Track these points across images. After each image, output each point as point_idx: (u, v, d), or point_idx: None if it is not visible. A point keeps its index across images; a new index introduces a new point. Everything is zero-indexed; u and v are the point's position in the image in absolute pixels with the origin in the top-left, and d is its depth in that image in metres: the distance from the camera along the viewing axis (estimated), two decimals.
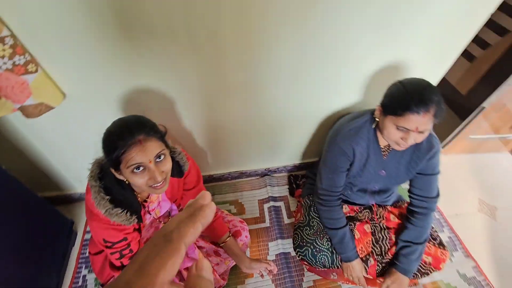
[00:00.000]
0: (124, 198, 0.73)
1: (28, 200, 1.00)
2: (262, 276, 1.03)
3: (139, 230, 0.85)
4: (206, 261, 0.28)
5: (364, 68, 1.04)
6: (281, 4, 0.77)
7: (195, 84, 0.95)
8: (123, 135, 0.64)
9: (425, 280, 1.23)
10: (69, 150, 1.09)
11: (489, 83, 1.63)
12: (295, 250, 1.16)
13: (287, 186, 1.52)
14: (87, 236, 1.27)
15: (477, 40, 1.83)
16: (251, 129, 1.22)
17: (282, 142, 1.36)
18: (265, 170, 1.51)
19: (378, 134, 0.97)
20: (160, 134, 0.71)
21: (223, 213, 1.19)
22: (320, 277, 1.20)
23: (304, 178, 1.49)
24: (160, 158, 0.70)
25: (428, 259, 1.08)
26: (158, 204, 0.93)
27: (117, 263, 0.80)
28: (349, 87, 1.12)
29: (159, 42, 0.79)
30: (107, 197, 0.70)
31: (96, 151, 0.71)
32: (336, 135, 1.03)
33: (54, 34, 0.72)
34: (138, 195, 0.81)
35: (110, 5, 0.69)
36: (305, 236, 1.14)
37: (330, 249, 1.11)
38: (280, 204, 1.44)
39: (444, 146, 1.72)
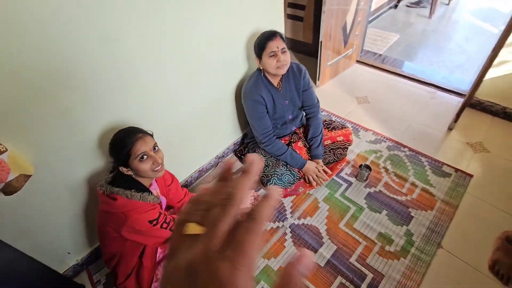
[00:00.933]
0: (139, 187, 0.99)
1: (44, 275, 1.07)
2: None
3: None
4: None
5: (236, 45, 1.49)
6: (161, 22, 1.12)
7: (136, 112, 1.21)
8: (128, 135, 0.95)
9: (351, 156, 1.75)
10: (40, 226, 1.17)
11: (317, 28, 2.34)
12: (266, 186, 1.51)
13: (238, 161, 1.86)
14: None
15: (297, 6, 2.57)
16: (186, 129, 1.51)
17: (216, 129, 1.70)
18: (215, 158, 1.81)
19: (268, 77, 1.42)
20: (151, 134, 1.04)
21: None
22: (294, 196, 1.58)
23: (246, 148, 1.86)
24: (155, 149, 1.02)
25: (340, 138, 1.60)
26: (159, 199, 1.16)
27: (169, 233, 1.04)
28: (236, 62, 1.55)
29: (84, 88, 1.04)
30: (133, 189, 0.95)
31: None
32: (246, 96, 1.45)
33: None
34: None
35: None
36: (267, 173, 1.51)
37: (288, 169, 1.50)
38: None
39: (318, 80, 2.36)
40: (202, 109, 1.52)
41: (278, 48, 1.30)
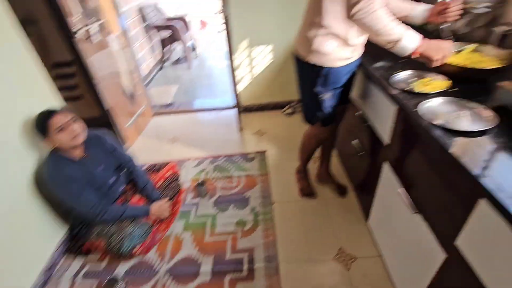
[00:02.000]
0: None
1: None
2: None
3: None
4: None
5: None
6: None
7: None
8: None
9: (187, 184, 1.96)
10: None
11: (98, 100, 2.42)
12: (122, 255, 1.42)
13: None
14: None
15: (67, 87, 2.54)
16: None
17: (29, 237, 1.38)
18: (45, 272, 1.45)
19: (66, 154, 1.35)
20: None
21: None
22: (156, 245, 1.56)
23: (79, 238, 1.61)
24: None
25: (168, 173, 1.80)
26: None
27: None
28: (19, 152, 1.36)
29: None
30: None
31: None
32: (50, 183, 1.35)
33: None
34: None
35: None
36: (116, 241, 1.42)
37: (134, 225, 1.48)
38: None
39: (125, 143, 2.44)
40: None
41: (64, 120, 1.29)
